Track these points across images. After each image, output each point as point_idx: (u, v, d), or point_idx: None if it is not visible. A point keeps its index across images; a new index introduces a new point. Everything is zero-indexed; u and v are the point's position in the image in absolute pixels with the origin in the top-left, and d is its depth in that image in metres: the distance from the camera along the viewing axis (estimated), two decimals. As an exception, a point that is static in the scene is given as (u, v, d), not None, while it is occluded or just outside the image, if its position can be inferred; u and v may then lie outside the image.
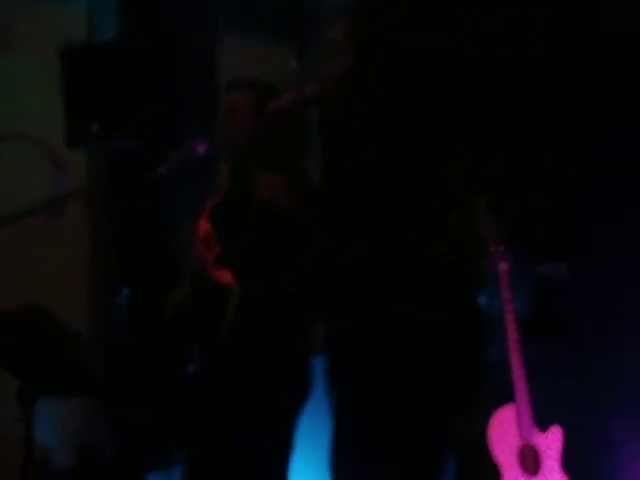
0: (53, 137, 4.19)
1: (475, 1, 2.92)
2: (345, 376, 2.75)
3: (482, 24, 3.63)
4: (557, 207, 4.27)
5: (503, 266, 3.68)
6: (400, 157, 2.74)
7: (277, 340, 3.26)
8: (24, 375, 2.93)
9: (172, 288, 3.44)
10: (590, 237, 4.24)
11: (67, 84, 4.03)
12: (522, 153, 4.37)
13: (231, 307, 3.21)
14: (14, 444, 3.00)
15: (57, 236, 4.44)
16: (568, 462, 3.66)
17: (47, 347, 2.91)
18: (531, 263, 4.20)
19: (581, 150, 4.22)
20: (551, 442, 3.65)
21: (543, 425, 3.67)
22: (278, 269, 3.22)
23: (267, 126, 3.21)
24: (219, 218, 3.35)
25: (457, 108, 2.84)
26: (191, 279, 3.37)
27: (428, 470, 2.61)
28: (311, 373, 3.39)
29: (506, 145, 4.41)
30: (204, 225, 3.32)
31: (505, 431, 3.60)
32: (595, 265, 4.19)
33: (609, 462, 4.05)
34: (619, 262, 4.13)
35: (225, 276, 3.26)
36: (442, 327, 2.67)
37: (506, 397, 3.64)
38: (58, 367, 2.96)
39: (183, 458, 3.46)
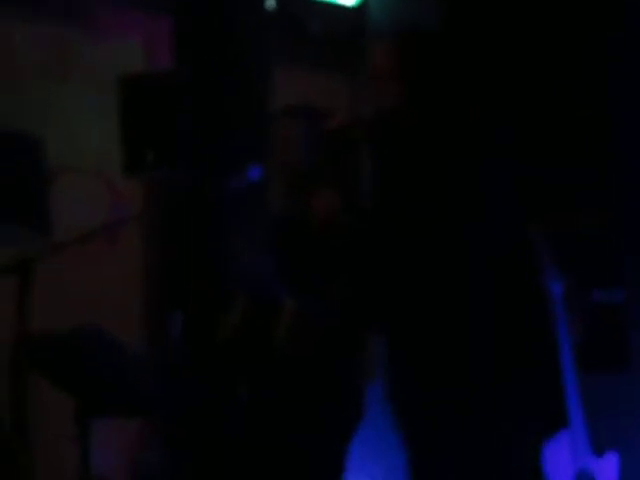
0: (110, 165, 4.26)
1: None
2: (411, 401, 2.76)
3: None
4: (611, 231, 4.24)
5: (557, 289, 3.68)
6: (451, 177, 2.76)
7: (332, 359, 3.26)
8: (81, 395, 2.96)
9: (225, 311, 3.47)
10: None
11: (124, 113, 4.09)
12: (575, 176, 4.35)
13: (285, 325, 3.22)
14: (71, 466, 3.03)
15: (113, 261, 4.50)
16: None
17: (104, 368, 2.94)
18: (586, 288, 4.17)
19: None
20: (607, 468, 3.60)
21: (599, 451, 3.63)
22: (333, 284, 3.23)
23: (325, 146, 3.25)
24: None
25: (510, 127, 2.87)
26: (242, 302, 3.39)
27: None
28: (364, 396, 3.38)
29: (559, 168, 4.39)
30: None
31: (560, 456, 3.57)
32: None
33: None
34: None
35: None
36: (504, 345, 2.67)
37: (562, 422, 3.61)
38: (115, 388, 2.99)
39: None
